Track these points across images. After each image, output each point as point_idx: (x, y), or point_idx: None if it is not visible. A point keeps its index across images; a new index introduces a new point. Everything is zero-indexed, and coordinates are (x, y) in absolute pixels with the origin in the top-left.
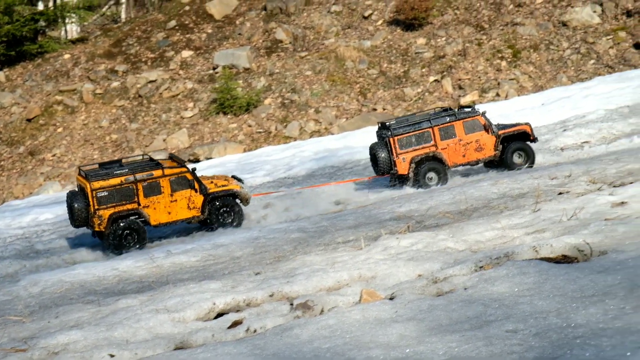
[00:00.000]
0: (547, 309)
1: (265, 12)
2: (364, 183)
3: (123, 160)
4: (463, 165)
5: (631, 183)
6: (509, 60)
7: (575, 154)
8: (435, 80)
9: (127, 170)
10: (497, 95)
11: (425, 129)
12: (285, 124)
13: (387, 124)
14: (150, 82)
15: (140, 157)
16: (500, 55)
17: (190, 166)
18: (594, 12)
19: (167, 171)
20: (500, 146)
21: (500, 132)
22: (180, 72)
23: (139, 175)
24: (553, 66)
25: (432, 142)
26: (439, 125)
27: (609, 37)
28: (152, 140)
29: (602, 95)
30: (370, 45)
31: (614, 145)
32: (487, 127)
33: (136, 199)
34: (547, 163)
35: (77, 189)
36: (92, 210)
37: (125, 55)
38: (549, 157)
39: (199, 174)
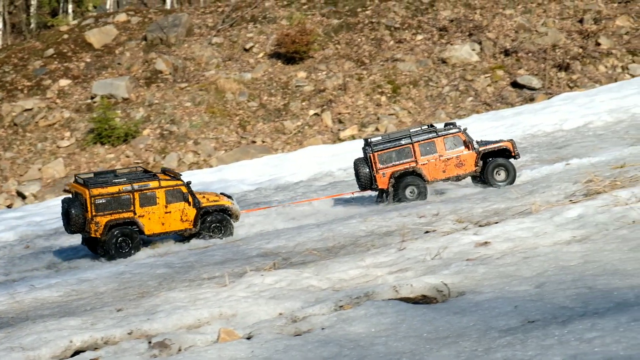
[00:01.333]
0: (401, 350)
1: (145, 42)
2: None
3: (117, 171)
4: (443, 180)
5: (496, 223)
6: (388, 95)
7: (444, 192)
8: (315, 114)
9: (125, 179)
10: (377, 129)
11: (405, 145)
12: (163, 155)
13: (369, 140)
14: (26, 110)
15: (134, 169)
16: (380, 90)
17: (186, 180)
18: (473, 50)
19: (163, 183)
20: (481, 162)
21: (481, 148)
22: (58, 100)
23: (136, 185)
24: (432, 102)
25: (412, 158)
26: (419, 141)
27: (487, 75)
28: (26, 169)
29: (477, 133)
30: (251, 78)
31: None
32: (468, 144)
33: (132, 208)
34: (417, 201)
35: (71, 197)
36: (89, 216)
37: (1, 83)
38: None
39: None
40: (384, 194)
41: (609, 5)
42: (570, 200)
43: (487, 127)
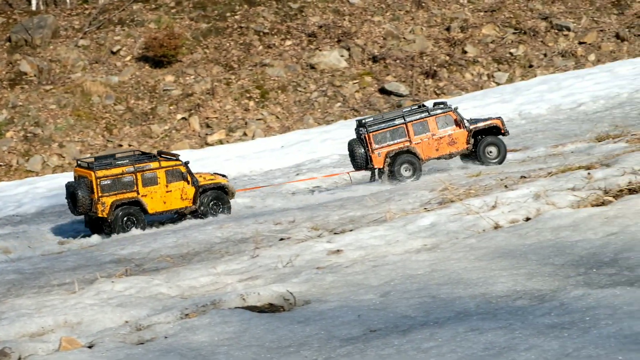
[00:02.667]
0: (242, 359)
1: (9, 43)
2: None
3: (117, 155)
4: (437, 158)
5: (350, 230)
6: (257, 100)
7: (304, 199)
8: (182, 118)
9: (127, 161)
10: (245, 134)
11: (399, 125)
12: (27, 157)
13: (364, 121)
14: None
15: (132, 152)
16: (248, 95)
17: (184, 160)
18: (342, 56)
19: (163, 163)
20: (472, 140)
21: (472, 126)
22: None
23: (138, 166)
24: (300, 107)
25: (406, 138)
26: (412, 121)
27: (355, 81)
28: None
29: (340, 140)
30: (118, 81)
31: (343, 191)
32: (459, 122)
33: (136, 188)
34: (277, 206)
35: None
36: (95, 197)
37: None
38: (280, 201)
39: None
40: (379, 173)
41: (475, 14)
42: (425, 209)
43: (351, 134)
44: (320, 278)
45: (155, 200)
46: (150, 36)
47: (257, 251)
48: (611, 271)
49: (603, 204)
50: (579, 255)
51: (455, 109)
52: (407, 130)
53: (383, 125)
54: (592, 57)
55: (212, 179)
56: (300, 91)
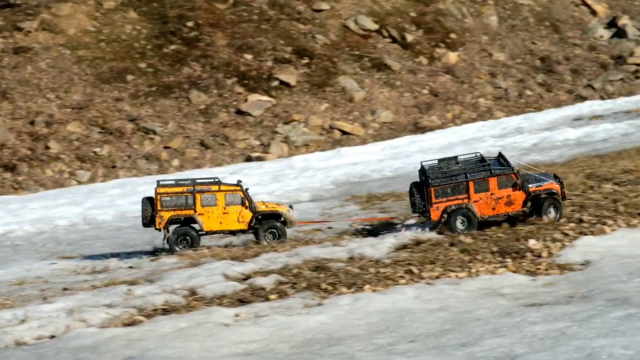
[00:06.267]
0: None
1: None
2: None
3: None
4: (492, 217)
5: None
6: None
7: None
8: None
9: (189, 182)
10: None
11: (461, 182)
12: None
13: (428, 172)
14: None
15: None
16: None
17: (244, 186)
18: None
19: (222, 187)
20: (529, 203)
21: (533, 189)
22: None
23: (198, 187)
24: None
25: (466, 195)
26: (474, 179)
27: None
28: None
29: None
30: None
31: None
32: (520, 185)
33: (193, 207)
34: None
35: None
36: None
37: None
38: None
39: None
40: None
41: (62, 110)
42: None
43: None
44: None
45: (211, 219)
46: None
47: None
48: None
49: (134, 323)
50: None
51: (518, 171)
52: (468, 188)
53: (446, 180)
54: (175, 162)
55: (273, 207)
56: None
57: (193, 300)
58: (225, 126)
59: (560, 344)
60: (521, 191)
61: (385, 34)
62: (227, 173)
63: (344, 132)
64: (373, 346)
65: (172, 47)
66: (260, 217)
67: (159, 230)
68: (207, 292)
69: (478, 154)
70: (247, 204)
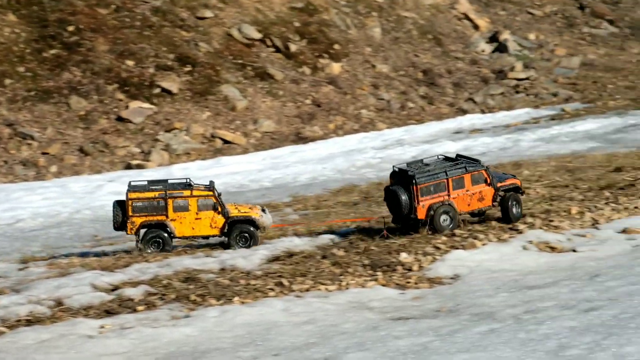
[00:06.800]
0: None
1: None
2: None
3: (169, 180)
4: (467, 213)
5: None
6: None
7: None
8: None
9: (161, 187)
10: None
11: (442, 179)
12: None
13: (410, 173)
14: None
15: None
16: None
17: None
18: None
19: (195, 192)
20: (499, 198)
21: (499, 184)
22: None
23: (169, 193)
24: None
25: (446, 192)
26: (453, 177)
27: None
28: None
29: None
30: None
31: None
32: (489, 181)
33: (165, 213)
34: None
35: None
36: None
37: None
38: None
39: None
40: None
41: None
42: None
43: None
44: None
45: (184, 225)
46: None
47: None
48: None
49: None
50: None
51: (487, 168)
52: (448, 185)
53: (430, 178)
54: (54, 168)
55: (245, 212)
56: None
57: (59, 311)
58: (105, 133)
59: (422, 358)
60: (490, 187)
61: (269, 43)
62: (105, 181)
63: (225, 141)
64: (237, 359)
65: (52, 51)
66: (232, 222)
67: (130, 234)
68: (74, 303)
69: (441, 157)
70: (219, 209)
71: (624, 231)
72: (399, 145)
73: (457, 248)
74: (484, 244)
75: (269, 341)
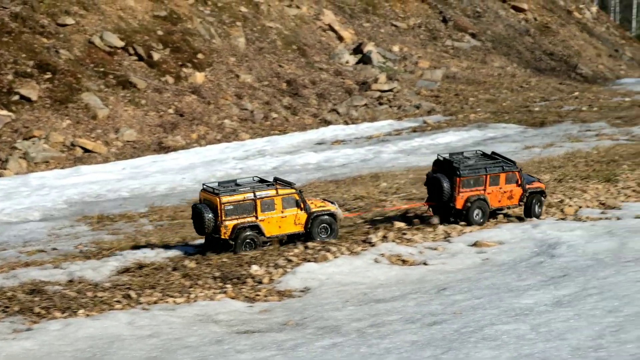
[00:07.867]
0: None
1: None
2: None
3: (238, 180)
4: (497, 209)
5: None
6: None
7: None
8: None
9: (249, 188)
10: None
11: (482, 175)
12: None
13: (455, 164)
14: None
15: (251, 178)
16: None
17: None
18: None
19: (280, 191)
20: (526, 198)
21: (527, 186)
22: None
23: (258, 193)
24: None
25: (483, 187)
26: (491, 173)
27: None
28: None
29: None
30: None
31: None
32: (520, 182)
33: (255, 214)
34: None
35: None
36: (220, 220)
37: None
38: None
39: None
40: (453, 213)
41: None
42: None
43: None
44: None
45: (271, 224)
46: None
47: None
48: None
49: None
50: None
51: (520, 169)
52: (486, 181)
53: (472, 172)
54: None
55: (322, 206)
56: None
57: None
58: None
59: None
60: (520, 187)
61: (132, 51)
62: None
63: (86, 150)
64: None
65: None
66: (314, 217)
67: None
68: None
69: (479, 152)
70: (302, 205)
71: (475, 244)
72: (260, 155)
73: (309, 261)
74: (336, 257)
75: (110, 355)
